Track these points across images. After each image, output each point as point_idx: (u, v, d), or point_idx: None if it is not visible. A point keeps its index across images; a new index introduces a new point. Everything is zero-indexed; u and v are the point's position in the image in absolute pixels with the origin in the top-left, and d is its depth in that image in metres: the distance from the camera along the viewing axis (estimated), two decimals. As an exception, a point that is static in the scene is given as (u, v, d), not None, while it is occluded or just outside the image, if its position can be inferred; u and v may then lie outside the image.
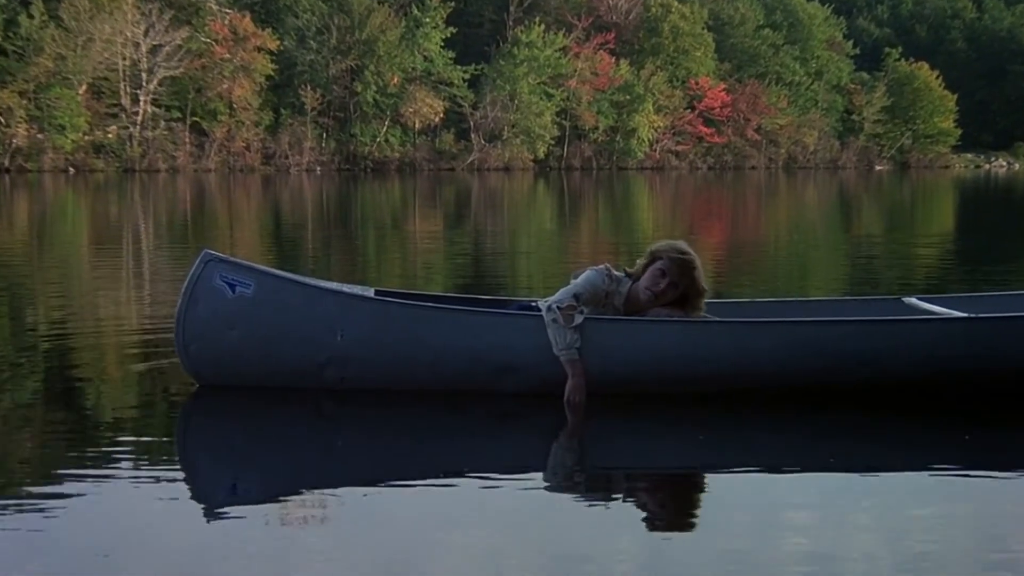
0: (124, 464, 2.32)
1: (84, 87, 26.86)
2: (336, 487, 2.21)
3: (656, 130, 36.46)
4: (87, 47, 26.55)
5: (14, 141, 25.61)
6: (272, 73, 29.95)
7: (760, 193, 21.05)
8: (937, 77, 43.66)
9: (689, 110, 37.35)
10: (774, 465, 2.37)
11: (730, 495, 2.17)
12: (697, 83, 37.59)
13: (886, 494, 2.18)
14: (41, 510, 2.03)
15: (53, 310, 4.75)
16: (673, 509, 2.16)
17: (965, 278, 6.17)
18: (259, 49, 29.33)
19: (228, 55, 28.72)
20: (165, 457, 2.45)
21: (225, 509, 2.09)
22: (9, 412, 2.79)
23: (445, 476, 2.26)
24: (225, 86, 28.79)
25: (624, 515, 2.06)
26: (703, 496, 2.23)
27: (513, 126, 33.19)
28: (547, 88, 34.07)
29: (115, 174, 26.19)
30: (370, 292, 3.14)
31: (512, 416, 2.78)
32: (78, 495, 2.11)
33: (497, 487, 2.21)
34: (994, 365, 2.86)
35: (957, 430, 2.70)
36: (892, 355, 2.82)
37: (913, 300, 3.30)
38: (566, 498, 2.20)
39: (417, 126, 32.18)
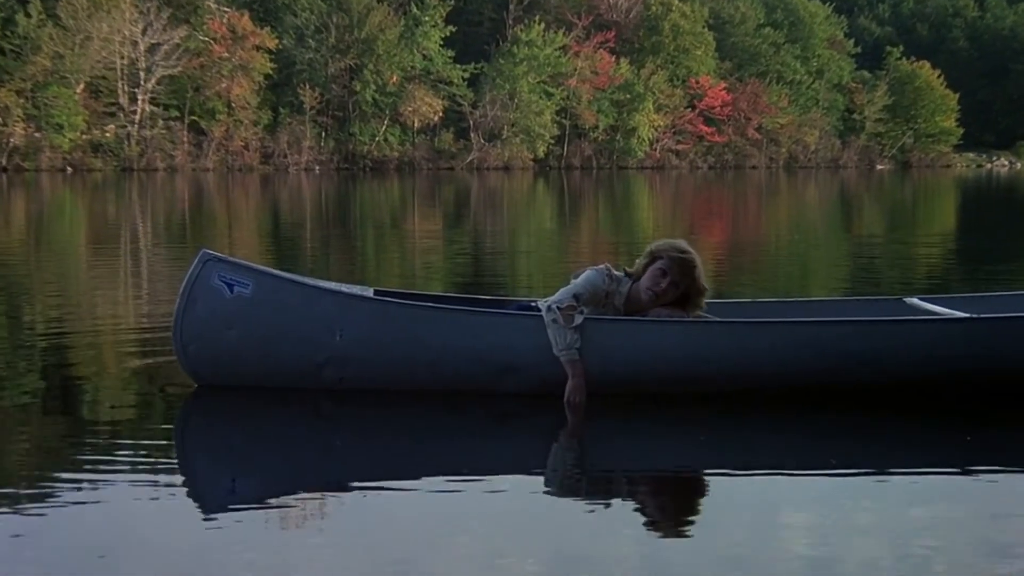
0: (122, 464, 2.31)
1: (82, 86, 26.85)
2: (335, 487, 2.21)
3: (656, 129, 36.47)
4: (85, 46, 26.53)
5: (11, 140, 25.59)
6: (271, 72, 29.94)
7: (761, 192, 21.06)
8: (939, 76, 43.64)
9: (690, 109, 37.35)
10: (775, 465, 2.37)
11: (730, 496, 2.17)
12: (698, 82, 37.59)
13: (887, 495, 2.17)
14: (38, 510, 2.03)
15: (51, 310, 4.74)
16: (673, 510, 2.15)
17: (966, 278, 6.17)
18: (258, 48, 29.31)
19: (226, 54, 28.71)
20: (163, 457, 2.44)
21: (223, 509, 2.09)
22: (6, 412, 2.78)
23: (445, 477, 2.25)
24: (223, 85, 28.77)
25: (624, 516, 2.06)
26: (703, 497, 2.23)
27: (513, 125, 33.18)
28: (547, 87, 34.07)
29: (113, 173, 26.19)
30: (369, 292, 3.14)
31: (512, 416, 2.78)
32: (75, 495, 2.10)
33: (497, 488, 2.21)
34: (995, 365, 2.86)
35: (958, 430, 2.69)
36: (893, 355, 2.82)
37: (914, 300, 3.30)
38: (566, 498, 2.20)
39: (416, 125, 32.17)
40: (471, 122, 33.01)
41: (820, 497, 2.15)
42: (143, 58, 27.66)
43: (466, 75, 33.13)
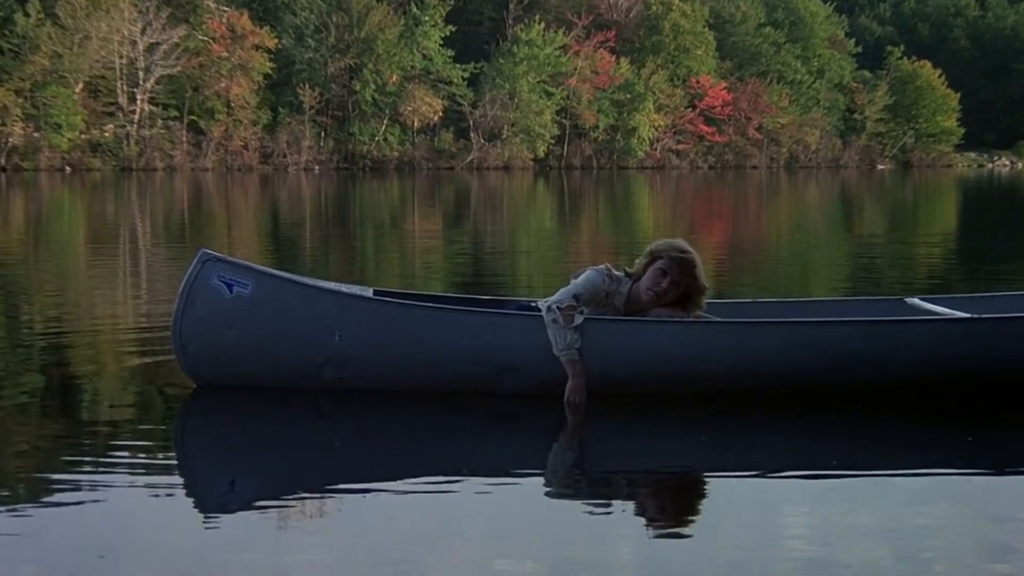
0: (121, 465, 2.30)
1: (80, 85, 26.82)
2: (335, 488, 2.20)
3: (657, 129, 36.45)
4: (84, 45, 26.50)
5: (10, 140, 25.57)
6: (270, 71, 29.92)
7: (761, 192, 21.05)
8: (940, 76, 43.57)
9: (690, 109, 37.33)
10: (775, 466, 2.36)
11: (731, 496, 2.16)
12: (698, 82, 37.57)
13: (888, 495, 2.17)
14: (38, 511, 2.02)
15: (49, 310, 4.74)
16: (673, 510, 2.15)
17: (967, 278, 6.17)
18: (257, 47, 29.29)
19: (226, 53, 28.69)
20: (162, 458, 2.44)
21: (223, 510, 2.09)
22: (5, 413, 2.78)
23: (444, 477, 2.25)
24: (223, 84, 28.76)
25: (624, 516, 2.05)
26: (704, 497, 2.22)
27: (513, 125, 33.17)
28: (547, 87, 34.05)
29: (112, 173, 26.16)
30: (369, 292, 3.13)
31: (512, 417, 2.77)
32: (74, 496, 2.10)
33: (497, 488, 2.20)
34: (996, 366, 2.85)
35: (959, 431, 2.69)
36: (894, 356, 2.82)
37: (915, 300, 3.29)
38: (566, 499, 2.19)
39: (416, 125, 32.16)
40: (471, 122, 33.00)
41: (821, 498, 2.15)
42: (142, 57, 27.64)
43: (466, 75, 33.11)
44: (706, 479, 2.32)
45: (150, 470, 2.29)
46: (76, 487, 2.15)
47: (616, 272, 2.90)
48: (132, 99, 27.83)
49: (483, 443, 2.61)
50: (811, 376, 2.82)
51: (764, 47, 41.22)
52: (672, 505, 2.18)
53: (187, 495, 2.16)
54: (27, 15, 26.22)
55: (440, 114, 31.90)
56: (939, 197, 20.01)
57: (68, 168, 26.28)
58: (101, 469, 2.27)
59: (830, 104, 42.44)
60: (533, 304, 2.96)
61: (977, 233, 10.88)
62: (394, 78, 31.38)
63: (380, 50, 31.25)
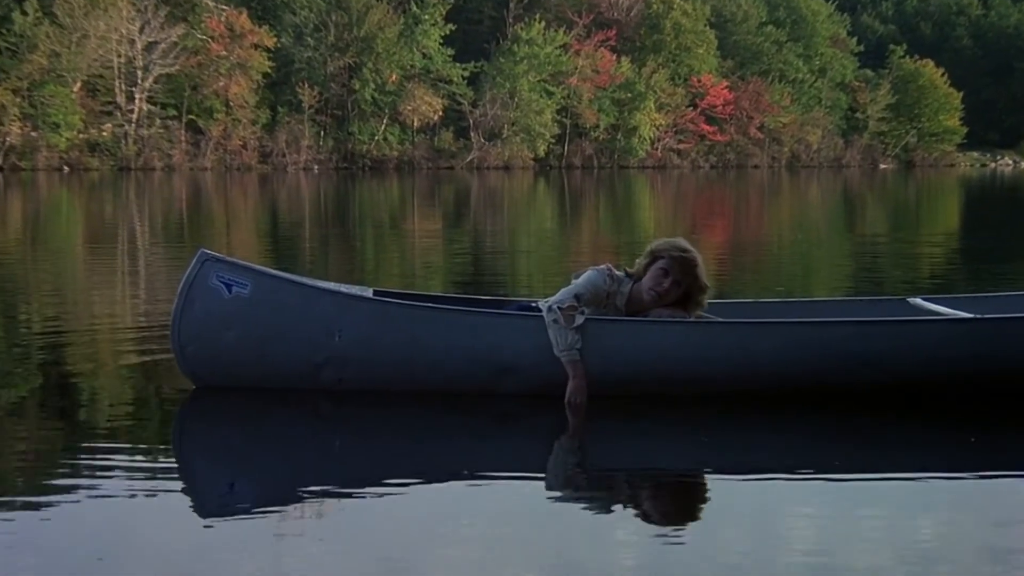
0: (119, 466, 2.29)
1: (79, 85, 26.82)
2: (334, 489, 2.20)
3: (658, 128, 36.44)
4: (82, 44, 26.49)
5: (8, 139, 25.57)
6: (269, 70, 29.92)
7: (763, 192, 21.05)
8: (942, 74, 43.49)
9: (691, 108, 37.32)
10: (777, 467, 2.35)
11: (732, 498, 2.15)
12: (699, 81, 37.55)
13: (890, 497, 2.16)
14: (35, 513, 2.01)
15: (48, 310, 4.73)
16: (674, 511, 2.14)
17: (970, 278, 6.16)
18: (256, 46, 29.28)
19: (224, 52, 28.68)
20: (161, 459, 2.43)
21: (222, 511, 2.08)
22: (2, 413, 2.77)
23: (444, 478, 2.24)
24: (221, 84, 28.75)
25: (625, 517, 2.04)
26: (705, 499, 2.21)
27: (513, 124, 33.16)
28: (547, 86, 34.05)
29: (110, 173, 26.17)
30: (368, 292, 3.12)
31: (512, 417, 2.76)
32: (73, 497, 2.09)
33: (497, 489, 2.19)
34: (1000, 366, 2.84)
35: (962, 432, 2.68)
36: (896, 356, 2.80)
37: (918, 300, 3.28)
38: (566, 500, 2.18)
39: (416, 124, 32.15)
40: (471, 121, 32.99)
41: (823, 499, 2.14)
42: (140, 56, 27.63)
43: (466, 74, 33.10)
44: (707, 480, 2.31)
45: (148, 471, 2.28)
46: (74, 489, 2.14)
47: (617, 272, 2.89)
48: (130, 98, 27.83)
49: (483, 444, 2.60)
50: (813, 377, 2.81)
51: (766, 46, 41.19)
52: (673, 506, 2.17)
53: (186, 496, 2.16)
54: (25, 14, 26.20)
55: (440, 113, 31.89)
56: (942, 196, 20.00)
57: (66, 168, 26.28)
58: (99, 470, 2.26)
59: (832, 103, 42.41)
60: (533, 304, 2.95)
61: (980, 233, 10.85)
62: (394, 77, 31.37)
63: (380, 49, 31.25)
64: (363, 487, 2.19)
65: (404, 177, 26.65)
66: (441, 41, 32.88)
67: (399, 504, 2.09)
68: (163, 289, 5.13)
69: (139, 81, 27.75)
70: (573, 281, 2.88)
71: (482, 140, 33.01)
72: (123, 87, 27.73)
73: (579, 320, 2.76)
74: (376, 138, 31.99)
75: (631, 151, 35.96)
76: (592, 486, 2.29)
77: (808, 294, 4.95)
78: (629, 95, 35.38)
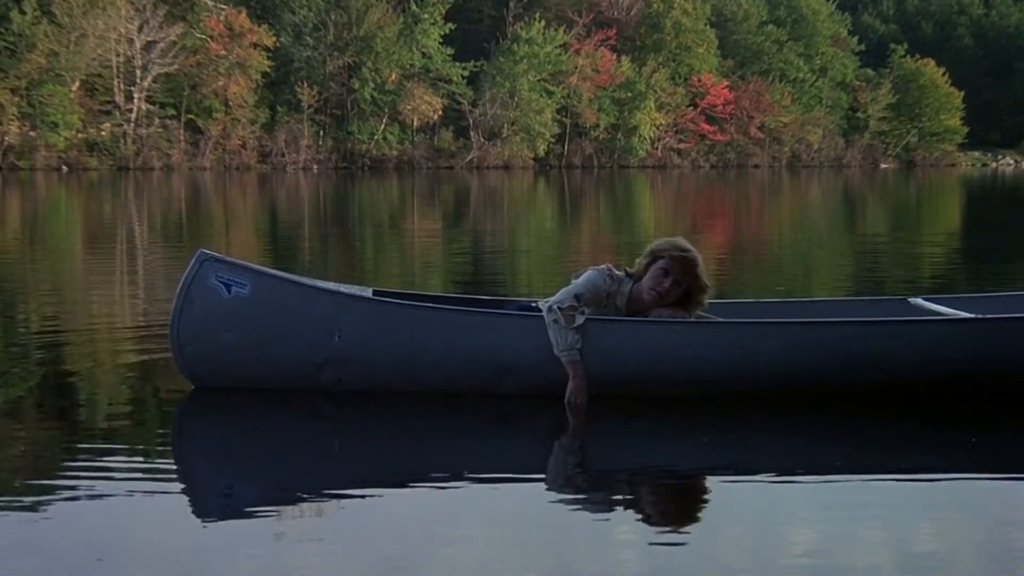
0: (118, 467, 2.29)
1: (77, 84, 26.79)
2: (334, 489, 2.19)
3: (658, 128, 36.43)
4: (80, 43, 26.46)
5: (6, 139, 25.55)
6: (268, 70, 29.89)
7: (764, 192, 21.05)
8: (943, 74, 43.41)
9: (691, 107, 37.30)
10: (778, 468, 2.35)
11: (733, 499, 2.15)
12: (700, 80, 37.53)
13: (891, 497, 2.15)
14: (34, 513, 2.01)
15: (46, 310, 4.72)
16: (675, 512, 2.13)
17: (972, 278, 6.15)
18: (255, 45, 29.26)
19: (224, 52, 28.65)
20: (160, 460, 2.42)
21: (221, 512, 2.07)
22: (1, 414, 2.76)
23: (444, 479, 2.23)
24: (220, 83, 28.72)
25: (625, 518, 2.04)
26: (705, 499, 2.21)
27: (513, 124, 33.15)
28: (547, 85, 34.03)
29: (109, 172, 26.15)
30: (368, 292, 3.12)
31: (512, 418, 2.76)
32: (71, 498, 2.08)
33: (497, 490, 2.19)
34: (1001, 366, 2.83)
35: (963, 432, 2.67)
36: (897, 356, 2.80)
37: (919, 300, 3.28)
38: (566, 501, 2.18)
39: (415, 124, 32.14)
40: (471, 121, 32.98)
41: (824, 500, 2.13)
42: (139, 56, 27.60)
43: (466, 73, 33.08)
44: (708, 480, 2.30)
45: (147, 472, 2.28)
46: (73, 489, 2.13)
47: (617, 272, 2.89)
48: (129, 98, 27.80)
49: (483, 444, 2.60)
50: (813, 377, 2.80)
51: (766, 45, 41.17)
52: (673, 506, 2.17)
53: (185, 497, 2.15)
54: (23, 12, 26.17)
55: (440, 113, 31.88)
56: (942, 196, 19.99)
57: (64, 167, 26.26)
58: (98, 471, 2.25)
59: (833, 103, 42.36)
60: (533, 304, 2.95)
61: (981, 232, 10.84)
62: (393, 76, 31.35)
63: (379, 48, 31.23)
64: (363, 487, 2.19)
65: (404, 177, 26.64)
66: (441, 40, 32.86)
67: (399, 504, 2.09)
68: (162, 289, 5.12)
69: (138, 80, 27.72)
70: (573, 281, 2.88)
71: (482, 140, 32.99)
72: (122, 86, 27.70)
73: (579, 320, 2.75)
74: (375, 138, 31.98)
75: (631, 151, 35.94)
76: (592, 486, 2.28)
77: (809, 294, 4.95)
78: (629, 94, 35.36)
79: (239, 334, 2.85)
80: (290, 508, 2.06)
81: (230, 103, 29.00)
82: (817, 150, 41.28)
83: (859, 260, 7.45)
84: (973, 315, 3.00)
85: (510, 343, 2.79)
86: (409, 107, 31.32)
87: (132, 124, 27.74)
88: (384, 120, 31.93)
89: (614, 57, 35.45)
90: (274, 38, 29.93)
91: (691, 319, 2.88)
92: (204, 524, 1.99)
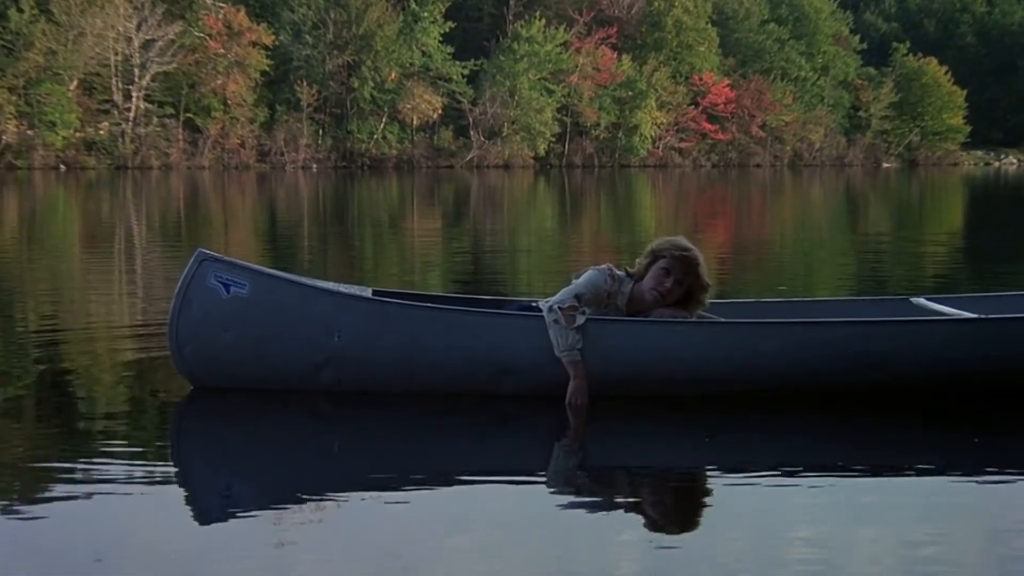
0: (117, 467, 2.28)
1: (75, 83, 26.77)
2: (333, 490, 2.19)
3: (659, 127, 36.40)
4: (78, 42, 26.44)
5: (3, 138, 25.57)
6: (267, 69, 29.89)
7: (765, 191, 21.04)
8: (946, 73, 43.31)
9: (693, 106, 37.27)
10: (779, 468, 2.34)
11: (734, 499, 2.14)
12: (701, 79, 37.50)
13: (893, 498, 2.15)
14: (32, 514, 2.00)
15: (44, 310, 4.72)
16: (676, 513, 2.13)
17: (974, 278, 6.14)
18: (254, 44, 29.25)
19: (222, 50, 28.64)
20: (159, 460, 2.42)
21: (220, 513, 2.07)
22: None
23: (444, 479, 2.23)
24: (219, 82, 28.71)
25: (626, 519, 2.03)
26: (707, 500, 2.20)
27: (513, 123, 33.14)
28: (548, 84, 34.02)
29: (107, 171, 26.13)
30: (367, 292, 3.11)
31: (513, 418, 2.75)
32: (70, 498, 2.07)
33: (497, 490, 2.19)
34: (1003, 366, 2.83)
35: (964, 432, 2.67)
36: (899, 356, 2.79)
37: (921, 300, 3.27)
38: (568, 502, 2.17)
39: (415, 123, 32.13)
40: (471, 120, 32.97)
41: (825, 500, 2.13)
42: (137, 54, 27.58)
43: (466, 72, 33.07)
44: (709, 481, 2.30)
45: (146, 472, 2.27)
46: (71, 490, 2.13)
47: (618, 272, 2.88)
48: (127, 96, 27.79)
49: (484, 445, 2.59)
50: (815, 377, 2.79)
51: (768, 44, 41.12)
52: (674, 506, 2.16)
53: (184, 498, 2.15)
54: (21, 11, 26.15)
55: (439, 112, 31.87)
56: (945, 195, 19.97)
57: (62, 166, 26.24)
58: (96, 472, 2.24)
59: (834, 101, 42.30)
60: (534, 304, 2.94)
61: (984, 232, 10.83)
62: (393, 75, 31.34)
63: (379, 47, 31.21)
64: (363, 487, 2.18)
65: (403, 176, 26.63)
66: (440, 39, 32.85)
67: (399, 505, 2.08)
68: (160, 289, 5.11)
69: (136, 79, 27.70)
70: (573, 281, 2.87)
71: (482, 139, 32.98)
72: (120, 85, 27.69)
73: (580, 320, 2.74)
74: (375, 137, 31.97)
75: (632, 150, 35.93)
76: (593, 487, 2.28)
77: (810, 294, 4.94)
78: (630, 93, 35.34)
79: (238, 334, 2.84)
80: (289, 508, 2.06)
81: (229, 102, 28.99)
82: (819, 149, 41.24)
83: (861, 260, 7.44)
84: (975, 315, 2.99)
85: (510, 343, 2.79)
86: (409, 106, 31.31)
87: (130, 123, 27.73)
88: (384, 119, 31.92)
89: (615, 56, 35.43)
90: (273, 36, 29.91)
91: (692, 319, 2.87)
92: (203, 524, 1.98)
